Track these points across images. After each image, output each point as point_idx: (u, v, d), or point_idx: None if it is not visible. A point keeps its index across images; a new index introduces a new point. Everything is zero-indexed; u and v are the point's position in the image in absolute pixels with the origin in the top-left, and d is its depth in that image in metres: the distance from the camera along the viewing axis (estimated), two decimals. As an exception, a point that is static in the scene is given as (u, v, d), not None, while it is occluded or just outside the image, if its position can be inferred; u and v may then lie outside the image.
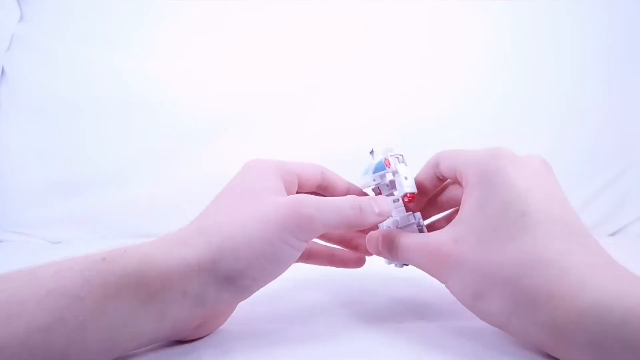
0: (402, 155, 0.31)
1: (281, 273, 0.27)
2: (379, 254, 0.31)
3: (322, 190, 0.33)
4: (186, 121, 0.72)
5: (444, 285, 0.27)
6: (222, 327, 0.29)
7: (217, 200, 0.28)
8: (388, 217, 0.29)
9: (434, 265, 0.27)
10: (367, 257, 0.37)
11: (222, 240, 0.25)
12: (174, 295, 0.23)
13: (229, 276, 0.24)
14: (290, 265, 0.27)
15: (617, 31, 0.79)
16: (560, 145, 0.75)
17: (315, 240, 0.33)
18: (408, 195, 0.30)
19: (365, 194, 0.33)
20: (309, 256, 0.36)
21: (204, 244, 0.24)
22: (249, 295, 0.27)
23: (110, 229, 0.69)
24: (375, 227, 0.33)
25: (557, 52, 0.78)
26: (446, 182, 0.32)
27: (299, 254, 0.26)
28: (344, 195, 0.30)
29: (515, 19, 0.78)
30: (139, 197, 0.70)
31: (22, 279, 0.21)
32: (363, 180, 0.32)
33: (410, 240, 0.28)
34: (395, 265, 0.32)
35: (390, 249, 0.29)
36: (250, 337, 0.28)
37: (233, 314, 0.29)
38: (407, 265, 0.30)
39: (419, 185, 0.31)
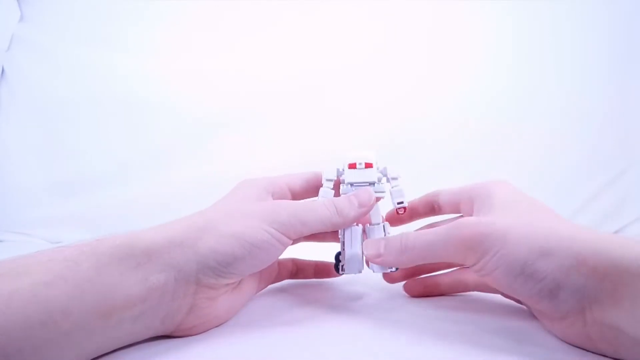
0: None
1: (265, 260, 0.28)
2: (379, 258, 0.30)
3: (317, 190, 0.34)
4: (186, 121, 0.72)
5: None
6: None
7: (208, 208, 0.31)
8: (371, 207, 0.31)
9: (468, 249, 0.26)
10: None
11: (206, 222, 0.27)
12: (158, 265, 0.25)
13: (210, 253, 0.26)
14: (272, 255, 0.28)
15: (617, 31, 0.79)
16: (561, 146, 0.75)
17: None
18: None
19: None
20: (297, 272, 0.38)
21: (188, 226, 0.27)
22: (234, 280, 0.28)
23: (110, 229, 0.69)
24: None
25: (557, 52, 0.78)
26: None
27: (281, 245, 0.28)
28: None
29: (515, 19, 0.78)
30: (139, 197, 0.70)
31: (26, 255, 0.24)
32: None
33: (431, 235, 0.28)
34: (379, 271, 0.32)
35: (402, 252, 0.29)
36: (244, 333, 0.28)
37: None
38: (394, 269, 0.32)
39: (411, 208, 0.36)
